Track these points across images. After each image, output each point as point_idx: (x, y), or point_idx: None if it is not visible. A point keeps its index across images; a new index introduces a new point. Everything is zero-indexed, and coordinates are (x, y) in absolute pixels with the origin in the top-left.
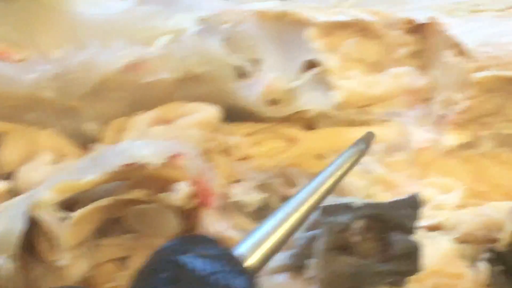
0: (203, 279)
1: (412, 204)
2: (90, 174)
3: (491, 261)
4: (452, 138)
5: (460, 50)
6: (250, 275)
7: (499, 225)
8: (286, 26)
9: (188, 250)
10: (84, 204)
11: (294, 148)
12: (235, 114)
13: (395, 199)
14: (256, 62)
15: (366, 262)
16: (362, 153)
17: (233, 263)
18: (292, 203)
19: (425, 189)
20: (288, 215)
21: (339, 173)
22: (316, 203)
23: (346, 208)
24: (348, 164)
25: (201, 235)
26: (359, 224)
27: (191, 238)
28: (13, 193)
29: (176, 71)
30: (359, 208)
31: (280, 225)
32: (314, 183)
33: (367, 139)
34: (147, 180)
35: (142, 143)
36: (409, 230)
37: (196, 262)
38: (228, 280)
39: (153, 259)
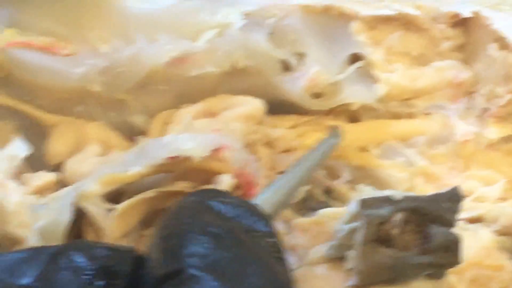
0: (229, 219)
1: (453, 197)
2: (136, 166)
3: None
4: (494, 131)
5: (504, 44)
6: (268, 219)
7: None
8: (331, 20)
9: (212, 197)
10: (129, 195)
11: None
12: (279, 107)
13: (435, 192)
14: (300, 55)
15: (405, 254)
16: (333, 147)
17: (253, 209)
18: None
19: (467, 182)
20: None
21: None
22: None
23: (385, 200)
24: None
25: (219, 189)
26: (398, 216)
27: (212, 190)
28: (61, 184)
29: (221, 65)
30: (399, 201)
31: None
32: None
33: (336, 134)
34: (191, 172)
35: (186, 136)
36: (449, 223)
37: (221, 206)
38: (250, 223)
39: (181, 203)
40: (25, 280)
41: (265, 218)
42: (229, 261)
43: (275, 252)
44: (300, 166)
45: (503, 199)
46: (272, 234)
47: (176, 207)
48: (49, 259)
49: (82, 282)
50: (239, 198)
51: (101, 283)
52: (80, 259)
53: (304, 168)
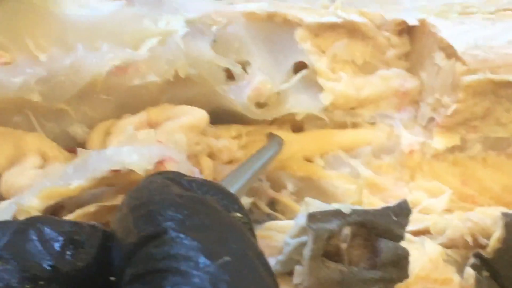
0: (198, 193)
1: (401, 211)
2: (77, 179)
3: (477, 267)
4: (440, 141)
5: (450, 52)
6: (235, 197)
7: (486, 231)
8: (275, 27)
9: (177, 175)
10: (70, 209)
11: (282, 151)
12: (222, 117)
13: (383, 206)
14: (244, 64)
15: (353, 269)
16: (275, 155)
17: (219, 187)
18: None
19: (413, 193)
20: None
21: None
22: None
23: (333, 214)
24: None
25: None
26: (347, 230)
27: (174, 171)
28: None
29: (164, 74)
30: (347, 214)
31: None
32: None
33: (278, 142)
34: (133, 185)
35: (129, 148)
36: (398, 237)
37: (187, 182)
38: (219, 198)
39: (146, 179)
40: None
41: (231, 195)
42: (208, 226)
43: (248, 226)
44: (242, 170)
45: (449, 210)
46: (241, 209)
47: (142, 183)
48: (16, 230)
49: (52, 252)
50: (201, 178)
51: (70, 252)
52: (48, 231)
53: (246, 173)
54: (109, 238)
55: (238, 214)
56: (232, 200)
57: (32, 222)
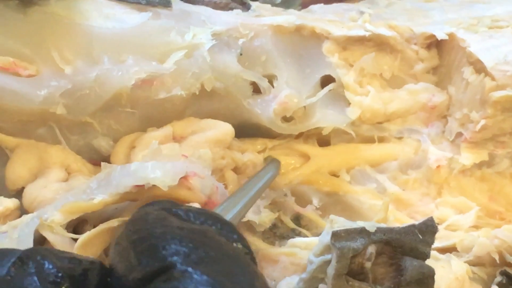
0: (197, 224)
1: (427, 229)
2: (101, 194)
3: (504, 285)
4: (468, 157)
5: (479, 67)
6: (232, 225)
7: None
8: (302, 40)
9: (173, 206)
10: (94, 223)
11: (307, 165)
12: (247, 130)
13: (409, 223)
14: (271, 77)
15: None
16: (272, 179)
17: (215, 216)
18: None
19: (439, 209)
20: None
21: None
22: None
23: (358, 232)
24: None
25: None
26: (371, 249)
27: (168, 200)
28: (22, 211)
29: (189, 87)
30: (372, 232)
31: None
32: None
33: (275, 166)
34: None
35: (154, 163)
36: (423, 256)
37: (184, 213)
38: (217, 228)
39: (142, 211)
40: None
41: (229, 224)
42: (214, 259)
43: (249, 256)
44: (239, 196)
45: (476, 227)
46: (241, 238)
47: (137, 214)
48: (16, 261)
49: None
50: (196, 207)
51: None
52: (47, 265)
53: (243, 199)
54: (108, 273)
55: (239, 245)
56: (230, 230)
57: (32, 255)
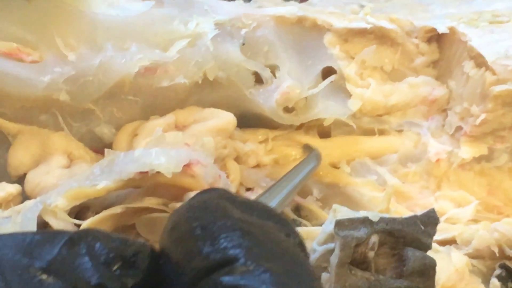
0: (254, 217)
1: (429, 220)
2: (104, 180)
3: (503, 277)
4: (468, 151)
5: (479, 62)
6: (287, 220)
7: None
8: (304, 31)
9: (228, 196)
10: (96, 210)
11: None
12: (249, 120)
13: (411, 214)
14: (273, 68)
15: (380, 278)
16: (314, 169)
17: (271, 209)
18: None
19: (439, 202)
20: None
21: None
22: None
23: (361, 222)
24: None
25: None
26: (374, 238)
27: (223, 189)
28: (24, 196)
29: (192, 76)
30: (375, 222)
31: None
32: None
33: (316, 156)
34: (160, 188)
35: (157, 150)
36: (425, 247)
37: (244, 205)
38: (274, 222)
39: (198, 197)
40: (42, 263)
41: (284, 218)
42: (275, 256)
43: (301, 247)
44: (281, 185)
45: (474, 221)
46: (294, 232)
47: (197, 200)
48: (66, 242)
49: (101, 269)
50: (251, 199)
51: (119, 271)
52: (99, 246)
53: (285, 189)
54: (157, 257)
55: (297, 240)
56: (284, 224)
57: (83, 236)
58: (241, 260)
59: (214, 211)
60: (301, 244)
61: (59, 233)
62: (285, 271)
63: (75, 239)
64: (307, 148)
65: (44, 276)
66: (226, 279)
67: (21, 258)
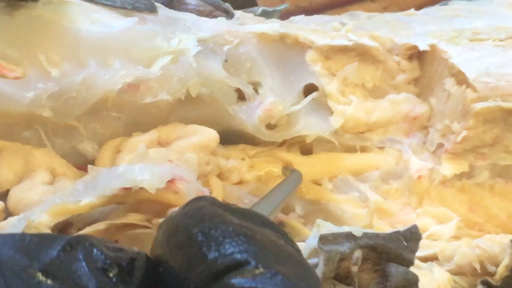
0: (252, 223)
1: (412, 236)
2: (88, 196)
3: None
4: (449, 168)
5: (460, 79)
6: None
7: (494, 259)
8: (286, 48)
9: (223, 204)
10: (79, 226)
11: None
12: (232, 137)
13: (394, 230)
14: (255, 84)
15: None
16: (296, 187)
17: (263, 217)
18: None
19: (420, 219)
20: None
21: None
22: None
23: (345, 237)
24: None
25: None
26: (357, 253)
27: (212, 197)
28: (7, 212)
29: (175, 92)
30: (358, 237)
31: None
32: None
33: (298, 176)
34: (143, 204)
35: (141, 166)
36: (408, 262)
37: (237, 212)
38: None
39: (191, 204)
40: (40, 265)
41: (278, 227)
42: (282, 260)
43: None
44: (265, 203)
45: (456, 237)
46: (290, 240)
47: (193, 208)
48: (64, 246)
49: (98, 275)
50: (242, 207)
51: (116, 278)
52: (96, 252)
53: (273, 203)
54: (153, 265)
55: (296, 247)
56: (279, 231)
57: (80, 241)
58: (252, 263)
59: (213, 217)
60: (299, 251)
61: (57, 236)
62: (295, 274)
63: (72, 244)
64: (287, 169)
65: (42, 278)
66: (238, 281)
67: (21, 258)
